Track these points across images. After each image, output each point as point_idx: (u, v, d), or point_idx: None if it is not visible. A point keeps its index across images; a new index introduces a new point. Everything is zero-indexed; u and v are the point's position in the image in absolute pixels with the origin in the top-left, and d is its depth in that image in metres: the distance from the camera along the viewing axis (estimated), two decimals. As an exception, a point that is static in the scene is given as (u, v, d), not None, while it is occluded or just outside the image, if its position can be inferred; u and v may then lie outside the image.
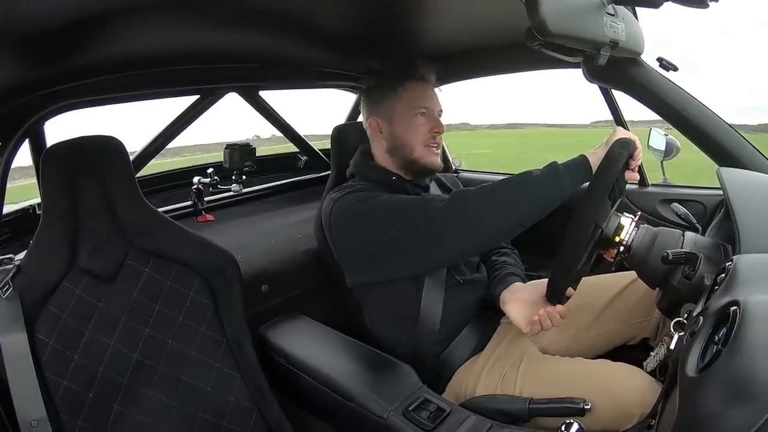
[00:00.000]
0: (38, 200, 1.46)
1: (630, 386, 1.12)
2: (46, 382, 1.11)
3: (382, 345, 1.44)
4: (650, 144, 1.86)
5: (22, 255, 1.25)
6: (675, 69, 1.16)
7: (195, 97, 1.83)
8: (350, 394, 1.22)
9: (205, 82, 1.76)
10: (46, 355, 1.13)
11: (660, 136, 1.83)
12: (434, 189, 1.59)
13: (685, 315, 0.99)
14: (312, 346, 1.48)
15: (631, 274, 1.31)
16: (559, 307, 1.21)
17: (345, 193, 1.40)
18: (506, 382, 1.26)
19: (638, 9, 1.09)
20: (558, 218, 1.21)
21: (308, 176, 2.27)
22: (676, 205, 1.56)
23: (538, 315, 1.23)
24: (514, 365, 1.28)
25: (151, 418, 1.21)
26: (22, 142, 1.42)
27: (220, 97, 1.86)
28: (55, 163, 1.18)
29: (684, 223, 1.53)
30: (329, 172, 1.77)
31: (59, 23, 1.01)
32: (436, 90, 1.51)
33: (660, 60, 1.16)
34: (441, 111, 1.49)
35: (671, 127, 1.49)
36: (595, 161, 1.14)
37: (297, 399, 1.42)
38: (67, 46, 1.18)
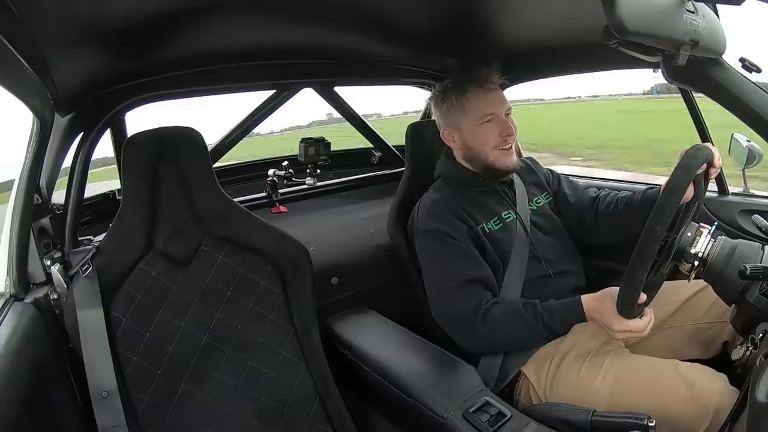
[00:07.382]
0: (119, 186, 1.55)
1: (710, 386, 1.09)
2: (118, 356, 1.17)
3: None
4: (731, 151, 1.76)
5: (100, 237, 1.33)
6: (759, 71, 1.06)
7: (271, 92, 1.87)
8: (412, 391, 1.23)
9: (282, 77, 1.80)
10: (120, 332, 1.19)
11: (742, 143, 1.72)
12: (518, 181, 1.58)
13: (761, 335, 0.94)
14: (378, 340, 1.50)
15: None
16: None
17: (433, 212, 1.45)
18: (593, 362, 1.25)
19: (719, 6, 1.02)
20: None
21: (382, 172, 2.27)
22: (757, 216, 1.44)
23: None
24: (601, 351, 1.28)
25: (215, 399, 1.25)
26: (104, 131, 1.49)
27: (296, 92, 1.89)
28: (137, 152, 1.24)
29: (765, 236, 1.40)
30: (403, 168, 1.77)
31: (145, 18, 1.06)
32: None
33: (742, 60, 1.06)
34: (509, 110, 1.48)
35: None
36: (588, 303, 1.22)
37: (359, 391, 1.44)
38: (152, 41, 1.23)
